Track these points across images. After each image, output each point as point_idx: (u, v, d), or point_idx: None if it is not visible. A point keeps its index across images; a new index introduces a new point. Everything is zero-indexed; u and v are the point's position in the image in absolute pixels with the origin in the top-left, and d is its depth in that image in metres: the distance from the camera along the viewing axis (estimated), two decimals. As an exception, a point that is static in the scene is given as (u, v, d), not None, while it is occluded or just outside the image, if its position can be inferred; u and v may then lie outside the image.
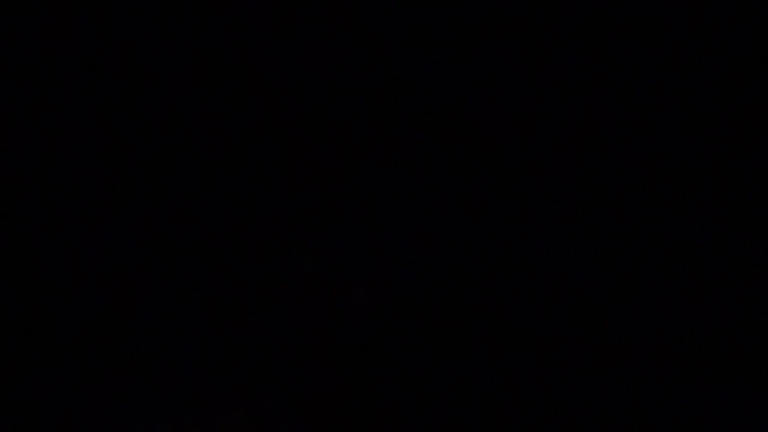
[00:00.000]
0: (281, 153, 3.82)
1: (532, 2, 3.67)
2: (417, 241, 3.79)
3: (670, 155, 3.71)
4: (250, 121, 3.82)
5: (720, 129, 3.70)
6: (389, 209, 3.77)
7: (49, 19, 3.67)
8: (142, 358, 3.72)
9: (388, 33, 3.71)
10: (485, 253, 3.74)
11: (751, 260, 3.65)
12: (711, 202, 3.69)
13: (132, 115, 3.81)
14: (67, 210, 3.78)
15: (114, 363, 3.71)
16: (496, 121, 3.73)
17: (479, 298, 3.74)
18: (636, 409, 3.56)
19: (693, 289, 3.67)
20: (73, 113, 3.79)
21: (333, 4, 3.72)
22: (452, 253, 3.75)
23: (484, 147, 3.74)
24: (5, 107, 3.76)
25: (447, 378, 3.68)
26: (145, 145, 3.82)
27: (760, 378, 3.56)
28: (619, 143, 3.72)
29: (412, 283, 3.78)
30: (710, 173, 3.69)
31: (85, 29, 3.72)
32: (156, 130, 3.81)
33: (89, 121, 3.81)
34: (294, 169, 3.82)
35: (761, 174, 3.67)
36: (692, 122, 3.71)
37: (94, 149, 3.81)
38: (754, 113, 3.68)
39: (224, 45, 3.75)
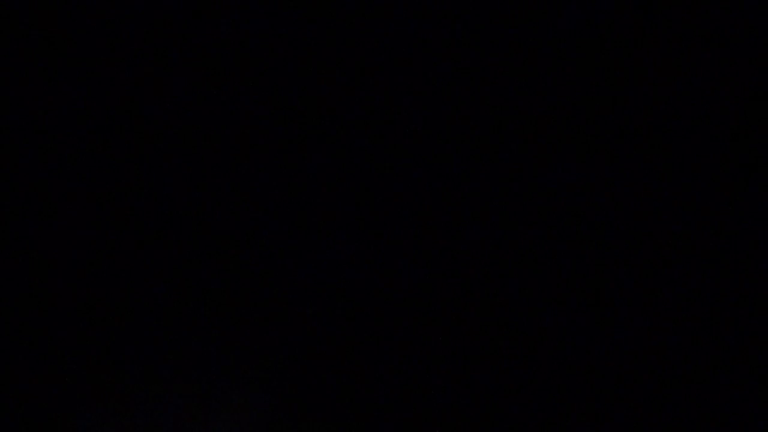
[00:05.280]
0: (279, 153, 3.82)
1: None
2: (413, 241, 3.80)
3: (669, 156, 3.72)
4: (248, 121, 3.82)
5: (720, 129, 3.70)
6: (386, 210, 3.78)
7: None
8: (143, 358, 3.73)
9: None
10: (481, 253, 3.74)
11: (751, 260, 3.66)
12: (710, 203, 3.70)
13: (129, 114, 3.82)
14: (65, 209, 3.78)
15: (114, 363, 3.72)
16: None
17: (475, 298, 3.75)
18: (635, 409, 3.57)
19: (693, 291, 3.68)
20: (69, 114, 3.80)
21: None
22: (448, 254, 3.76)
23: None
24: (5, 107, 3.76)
25: (447, 378, 3.69)
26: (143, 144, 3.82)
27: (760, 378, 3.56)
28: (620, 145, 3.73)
29: (410, 281, 3.78)
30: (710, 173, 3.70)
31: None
32: (153, 127, 3.82)
33: (86, 119, 3.81)
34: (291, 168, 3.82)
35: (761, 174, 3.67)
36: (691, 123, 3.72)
37: (91, 148, 3.81)
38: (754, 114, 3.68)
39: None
